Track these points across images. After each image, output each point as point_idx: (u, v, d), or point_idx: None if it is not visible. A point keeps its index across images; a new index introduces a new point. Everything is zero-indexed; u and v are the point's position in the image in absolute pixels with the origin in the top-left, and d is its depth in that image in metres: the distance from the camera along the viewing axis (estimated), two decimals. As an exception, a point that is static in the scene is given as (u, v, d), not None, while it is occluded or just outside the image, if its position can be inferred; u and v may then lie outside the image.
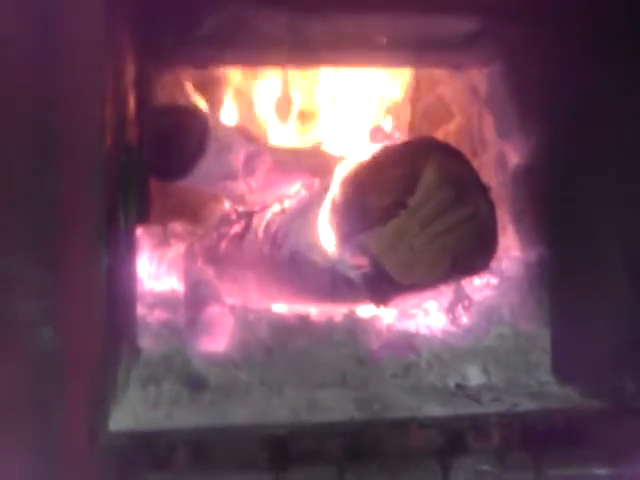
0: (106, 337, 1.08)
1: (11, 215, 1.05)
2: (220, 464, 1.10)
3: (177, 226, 1.96)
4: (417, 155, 1.31)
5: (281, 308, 1.62)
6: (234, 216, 1.81)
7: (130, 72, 1.28)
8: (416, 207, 1.28)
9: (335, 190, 1.31)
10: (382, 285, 1.31)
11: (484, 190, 1.34)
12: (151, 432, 1.11)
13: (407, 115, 2.02)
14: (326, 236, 1.33)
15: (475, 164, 1.73)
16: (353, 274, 1.31)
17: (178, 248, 1.90)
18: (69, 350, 1.05)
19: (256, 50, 1.49)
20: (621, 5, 1.25)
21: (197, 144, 1.50)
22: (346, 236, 1.26)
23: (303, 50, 1.49)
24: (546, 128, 1.46)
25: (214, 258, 1.81)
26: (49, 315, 1.04)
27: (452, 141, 1.96)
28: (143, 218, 1.34)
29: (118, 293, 1.18)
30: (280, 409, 1.21)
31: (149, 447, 1.09)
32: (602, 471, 1.19)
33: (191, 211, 1.96)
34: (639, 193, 1.26)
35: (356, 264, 1.29)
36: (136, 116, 1.30)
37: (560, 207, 1.41)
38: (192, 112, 1.53)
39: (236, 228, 1.77)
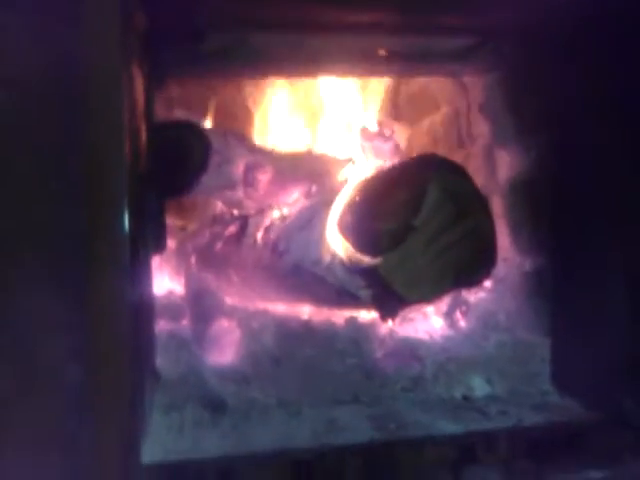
0: (134, 370, 1.10)
1: (33, 250, 1.04)
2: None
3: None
4: (420, 174, 1.34)
5: (280, 308, 1.64)
6: (228, 216, 1.82)
7: (140, 95, 1.27)
8: (421, 226, 1.32)
9: (341, 216, 1.33)
10: (390, 302, 1.36)
11: (483, 203, 1.38)
12: (181, 463, 1.15)
13: (393, 107, 2.05)
14: (332, 256, 1.36)
15: (461, 156, 1.81)
16: (362, 294, 1.35)
17: (169, 244, 1.90)
18: (97, 386, 1.05)
19: (255, 63, 1.50)
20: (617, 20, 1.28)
21: (200, 161, 1.49)
22: (356, 263, 1.30)
23: (304, 63, 1.51)
24: (545, 138, 1.49)
25: (209, 259, 1.82)
26: (75, 350, 1.04)
27: (438, 132, 2.01)
28: (161, 248, 1.35)
29: (140, 322, 1.20)
30: (300, 431, 1.26)
31: (180, 478, 1.14)
32: (599, 475, 1.27)
33: (179, 205, 1.95)
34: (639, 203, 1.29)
35: (364, 284, 1.33)
36: (147, 139, 1.29)
37: (560, 215, 1.45)
38: (193, 127, 1.51)
39: (231, 229, 1.78)
